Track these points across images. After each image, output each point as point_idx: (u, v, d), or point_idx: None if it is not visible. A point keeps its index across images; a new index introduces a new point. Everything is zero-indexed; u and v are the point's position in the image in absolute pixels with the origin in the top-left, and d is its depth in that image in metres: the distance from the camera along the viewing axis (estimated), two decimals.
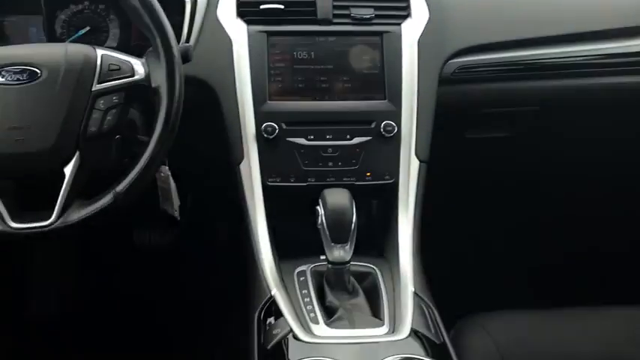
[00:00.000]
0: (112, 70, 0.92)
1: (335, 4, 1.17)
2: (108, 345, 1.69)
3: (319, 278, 1.03)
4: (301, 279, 1.02)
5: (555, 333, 1.09)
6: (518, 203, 1.72)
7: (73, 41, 1.22)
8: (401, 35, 1.17)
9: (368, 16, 1.17)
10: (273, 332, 0.90)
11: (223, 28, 1.15)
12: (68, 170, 0.91)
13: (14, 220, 0.91)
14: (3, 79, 0.89)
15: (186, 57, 0.99)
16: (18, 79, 0.89)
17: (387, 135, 1.12)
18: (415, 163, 1.13)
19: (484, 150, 1.42)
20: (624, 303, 1.15)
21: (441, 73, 1.19)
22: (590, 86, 1.28)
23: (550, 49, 1.25)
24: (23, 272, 1.83)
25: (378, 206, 1.19)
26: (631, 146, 1.48)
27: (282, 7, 1.15)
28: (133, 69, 0.93)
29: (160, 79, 0.93)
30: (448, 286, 1.19)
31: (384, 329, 0.92)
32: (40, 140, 0.90)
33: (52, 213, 0.91)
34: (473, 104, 1.27)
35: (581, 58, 1.25)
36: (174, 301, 1.73)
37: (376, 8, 1.17)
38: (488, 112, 1.29)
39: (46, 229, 0.91)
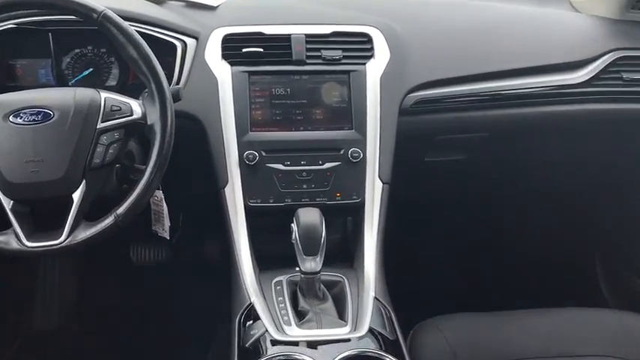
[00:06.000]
0: (113, 111, 1.04)
1: (308, 46, 1.29)
2: (106, 354, 1.79)
3: (294, 287, 1.15)
4: (277, 288, 1.14)
5: (502, 332, 1.22)
6: (470, 218, 1.86)
7: (78, 81, 1.35)
8: (366, 73, 1.29)
9: (337, 57, 1.29)
10: (251, 333, 1.03)
11: (210, 69, 1.28)
12: (76, 196, 1.01)
13: (29, 239, 1.00)
14: (21, 120, 1.00)
15: (177, 97, 1.11)
16: (34, 120, 1.00)
17: (353, 160, 1.24)
18: (379, 185, 1.25)
19: (442, 171, 1.55)
20: (564, 305, 1.29)
21: (401, 105, 1.31)
22: (533, 114, 1.40)
23: (498, 83, 1.38)
24: (29, 287, 1.93)
25: (350, 223, 1.32)
26: (570, 167, 1.62)
27: (261, 50, 1.28)
28: (131, 109, 1.05)
29: (154, 118, 1.05)
30: (411, 294, 1.32)
31: (347, 329, 1.05)
32: (52, 171, 1.00)
33: (62, 233, 1.00)
34: (430, 132, 1.40)
35: (525, 90, 1.38)
36: (166, 313, 1.85)
37: (344, 50, 1.30)
38: (444, 138, 1.42)
39: (57, 247, 1.00)
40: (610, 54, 1.43)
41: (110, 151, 1.04)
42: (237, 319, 1.09)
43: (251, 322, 1.07)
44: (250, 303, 1.11)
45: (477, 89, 1.38)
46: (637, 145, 1.56)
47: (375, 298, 1.12)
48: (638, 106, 1.44)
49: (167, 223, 1.26)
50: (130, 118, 1.05)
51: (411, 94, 1.34)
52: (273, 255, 1.21)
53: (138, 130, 1.08)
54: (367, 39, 1.33)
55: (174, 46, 1.29)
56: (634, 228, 1.78)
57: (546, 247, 1.85)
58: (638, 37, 1.49)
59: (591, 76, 1.41)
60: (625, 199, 1.80)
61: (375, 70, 1.30)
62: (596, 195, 1.81)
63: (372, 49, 1.32)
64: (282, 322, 1.06)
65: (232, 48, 1.30)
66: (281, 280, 1.17)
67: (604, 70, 1.42)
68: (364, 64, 1.31)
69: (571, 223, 1.83)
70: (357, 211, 1.27)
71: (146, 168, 1.05)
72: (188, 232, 1.79)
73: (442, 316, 1.23)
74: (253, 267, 1.19)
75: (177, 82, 1.28)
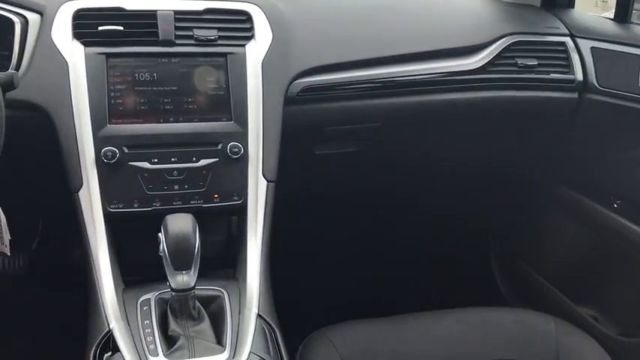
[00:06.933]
0: None
1: (177, 25, 1.14)
2: None
3: (164, 306, 0.99)
4: (144, 308, 0.98)
5: (396, 337, 1.14)
6: (365, 215, 1.77)
7: None
8: (245, 56, 1.15)
9: (212, 37, 1.15)
10: None
11: (58, 51, 1.09)
12: None
13: None
14: None
15: (9, 85, 0.92)
16: None
17: (233, 156, 1.10)
18: (263, 183, 1.12)
19: (334, 165, 1.45)
20: (462, 306, 1.23)
21: (286, 93, 1.19)
22: (427, 103, 1.32)
23: (390, 69, 1.28)
24: None
25: (235, 221, 1.17)
26: (464, 159, 1.57)
27: (121, 28, 1.11)
28: None
29: None
30: (299, 302, 1.20)
31: (225, 355, 0.91)
32: None
33: None
34: (319, 123, 1.28)
35: (419, 77, 1.30)
36: (26, 329, 1.62)
37: (220, 29, 1.16)
38: (335, 129, 1.31)
39: None
40: (504, 39, 1.37)
41: None
42: (93, 350, 0.92)
43: (109, 353, 0.91)
44: (109, 330, 0.94)
45: (368, 76, 1.27)
46: (531, 135, 1.52)
47: (259, 315, 0.99)
48: (532, 94, 1.39)
49: (7, 236, 1.05)
50: None
51: (297, 81, 1.22)
52: (142, 267, 1.04)
53: None
54: (246, 17, 1.19)
55: (11, 23, 1.08)
56: (526, 220, 1.77)
57: (441, 245, 1.80)
58: (531, 21, 1.45)
59: (486, 61, 1.34)
60: (517, 191, 1.79)
61: (255, 53, 1.17)
62: (489, 188, 1.78)
63: (251, 28, 1.19)
64: (147, 353, 0.91)
65: (86, 25, 1.11)
66: (149, 299, 1.00)
67: (498, 56, 1.36)
68: (243, 45, 1.17)
69: (465, 218, 1.78)
70: (239, 214, 1.13)
71: None
72: (50, 236, 1.57)
73: (332, 325, 1.14)
74: (115, 284, 1.02)
75: (17, 66, 1.08)
